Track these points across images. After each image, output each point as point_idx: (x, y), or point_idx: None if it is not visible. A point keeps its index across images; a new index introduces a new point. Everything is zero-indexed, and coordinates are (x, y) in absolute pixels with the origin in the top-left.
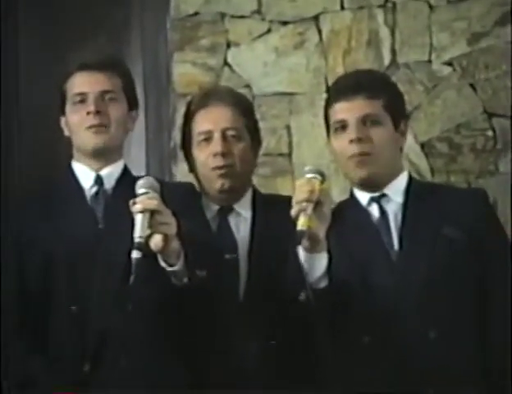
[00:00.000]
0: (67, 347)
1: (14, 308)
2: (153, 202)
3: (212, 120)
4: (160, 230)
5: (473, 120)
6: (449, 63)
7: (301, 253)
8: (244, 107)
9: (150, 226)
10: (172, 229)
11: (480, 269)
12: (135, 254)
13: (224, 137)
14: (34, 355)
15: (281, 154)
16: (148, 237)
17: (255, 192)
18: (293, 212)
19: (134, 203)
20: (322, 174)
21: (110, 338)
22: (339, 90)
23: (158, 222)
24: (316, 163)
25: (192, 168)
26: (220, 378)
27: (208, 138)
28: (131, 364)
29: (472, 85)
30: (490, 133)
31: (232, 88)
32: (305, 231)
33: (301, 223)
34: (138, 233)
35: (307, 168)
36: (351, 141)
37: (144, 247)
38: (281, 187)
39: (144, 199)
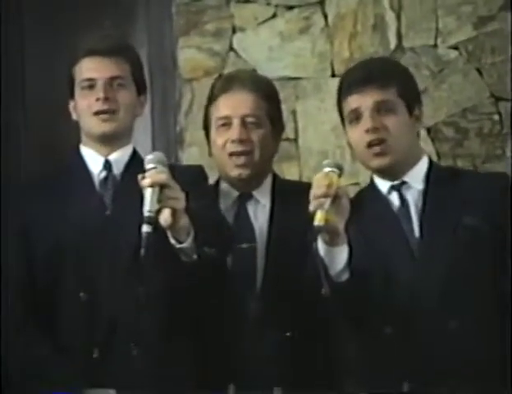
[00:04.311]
0: (76, 334)
1: (22, 294)
2: (163, 176)
3: (232, 106)
4: (169, 204)
5: (480, 104)
6: (455, 47)
7: (321, 247)
8: (267, 92)
9: (159, 200)
10: (181, 204)
11: (502, 256)
12: (145, 228)
13: (243, 123)
14: (43, 342)
15: (287, 139)
16: (158, 213)
17: (275, 178)
18: (311, 207)
19: (143, 178)
20: (340, 168)
21: (119, 325)
22: (351, 83)
23: (167, 197)
24: (322, 148)
25: (211, 152)
26: (230, 368)
27: (226, 123)
28: (141, 350)
29: (478, 69)
30: (496, 117)
31: (256, 72)
32: (322, 226)
33: (318, 218)
34: (147, 207)
35: (325, 162)
36: (367, 131)
37: (154, 221)
38: (288, 172)
39: (153, 173)
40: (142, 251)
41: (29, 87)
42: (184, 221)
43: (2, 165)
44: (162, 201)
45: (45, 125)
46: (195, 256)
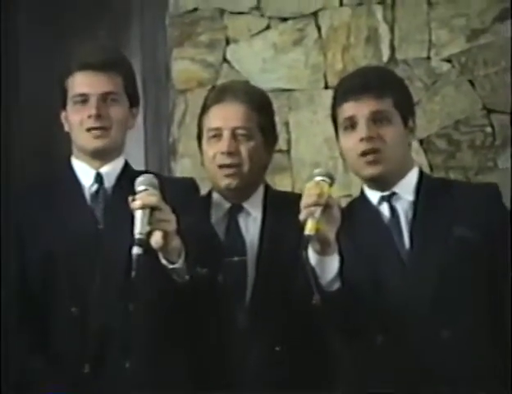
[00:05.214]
0: (68, 348)
1: (14, 308)
2: (153, 198)
3: (223, 117)
4: (160, 227)
5: (472, 116)
6: (448, 60)
7: (312, 256)
8: (259, 104)
9: (150, 222)
10: (172, 226)
11: (493, 267)
12: (136, 250)
13: (233, 136)
14: (34, 356)
15: (279, 151)
16: (149, 235)
17: (267, 189)
18: (301, 216)
19: (134, 200)
20: (331, 177)
21: (110, 339)
22: (347, 90)
23: (158, 219)
24: (314, 160)
25: (203, 163)
26: (220, 383)
27: (217, 135)
28: (133, 365)
29: (471, 82)
30: (489, 129)
31: (250, 83)
32: (313, 235)
33: (309, 228)
34: (138, 230)
35: (316, 171)
36: (362, 139)
37: (145, 243)
38: (280, 184)
39: (144, 195)
40: (133, 273)
41: (22, 95)
42: (175, 242)
43: None
44: (152, 223)
45: (38, 135)
46: (187, 276)
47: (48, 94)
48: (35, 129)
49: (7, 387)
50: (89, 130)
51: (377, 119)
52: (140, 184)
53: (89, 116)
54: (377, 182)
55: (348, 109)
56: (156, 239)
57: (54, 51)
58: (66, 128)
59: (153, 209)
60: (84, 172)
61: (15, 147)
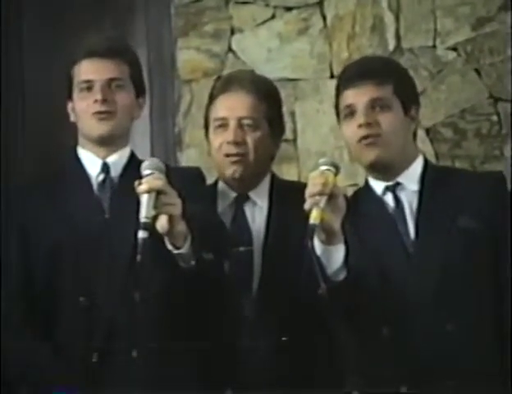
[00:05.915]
0: (76, 338)
1: (22, 298)
2: (159, 182)
3: (229, 107)
4: (165, 210)
5: (478, 105)
6: (453, 48)
7: (317, 246)
8: (266, 94)
9: (156, 206)
10: (177, 210)
11: (496, 257)
12: (141, 234)
13: (239, 125)
14: (42, 346)
15: (286, 140)
16: (155, 219)
17: (274, 179)
18: (306, 205)
19: (140, 184)
20: (336, 166)
21: (118, 328)
22: (348, 78)
23: (164, 203)
24: (320, 149)
25: (210, 152)
26: (227, 373)
27: (223, 124)
28: (141, 354)
29: (476, 70)
30: (495, 118)
31: (257, 73)
32: (317, 225)
33: (314, 217)
34: (144, 213)
35: (321, 160)
36: (360, 126)
37: (151, 227)
38: (287, 173)
39: (150, 179)
40: (138, 257)
41: (28, 88)
42: (181, 227)
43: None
44: (158, 207)
45: (44, 127)
46: (193, 262)
47: (52, 90)
48: (38, 128)
49: (15, 377)
50: (94, 114)
51: (375, 106)
52: (146, 168)
53: (95, 101)
54: (378, 170)
55: (348, 97)
56: (161, 223)
57: (59, 45)
58: (72, 118)
59: (158, 193)
60: (91, 162)
61: (18, 145)
